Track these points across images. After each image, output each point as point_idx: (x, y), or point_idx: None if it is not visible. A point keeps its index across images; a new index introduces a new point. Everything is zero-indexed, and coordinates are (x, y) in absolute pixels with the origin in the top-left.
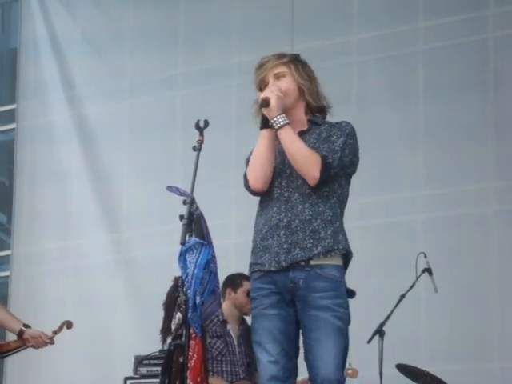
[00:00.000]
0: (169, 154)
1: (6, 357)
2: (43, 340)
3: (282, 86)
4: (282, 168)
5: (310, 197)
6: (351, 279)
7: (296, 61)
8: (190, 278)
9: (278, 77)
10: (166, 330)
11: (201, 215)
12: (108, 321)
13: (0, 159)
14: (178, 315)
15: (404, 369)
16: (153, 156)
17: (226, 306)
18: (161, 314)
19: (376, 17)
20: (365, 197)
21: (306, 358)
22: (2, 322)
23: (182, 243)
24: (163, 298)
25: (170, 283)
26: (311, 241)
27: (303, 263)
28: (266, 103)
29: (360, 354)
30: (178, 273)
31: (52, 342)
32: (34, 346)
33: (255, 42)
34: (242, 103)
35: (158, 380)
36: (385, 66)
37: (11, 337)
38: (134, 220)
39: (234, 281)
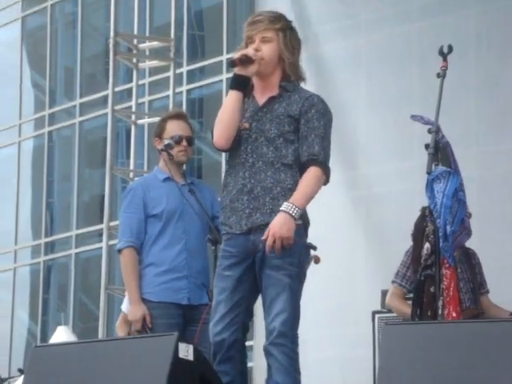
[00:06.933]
0: (405, 85)
1: None
2: None
3: (264, 51)
4: (248, 133)
5: (272, 165)
6: None
7: (287, 29)
8: (438, 207)
9: (264, 41)
10: (415, 261)
11: (447, 143)
12: (349, 257)
13: None
14: (427, 245)
15: None
16: (388, 89)
17: None
18: (402, 247)
19: None
20: None
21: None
22: None
23: (429, 172)
24: (407, 230)
25: (410, 218)
26: (271, 207)
27: (263, 227)
28: (245, 60)
29: None
30: (418, 207)
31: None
32: None
33: None
34: (482, 30)
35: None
36: None
37: None
38: (372, 156)
39: None
